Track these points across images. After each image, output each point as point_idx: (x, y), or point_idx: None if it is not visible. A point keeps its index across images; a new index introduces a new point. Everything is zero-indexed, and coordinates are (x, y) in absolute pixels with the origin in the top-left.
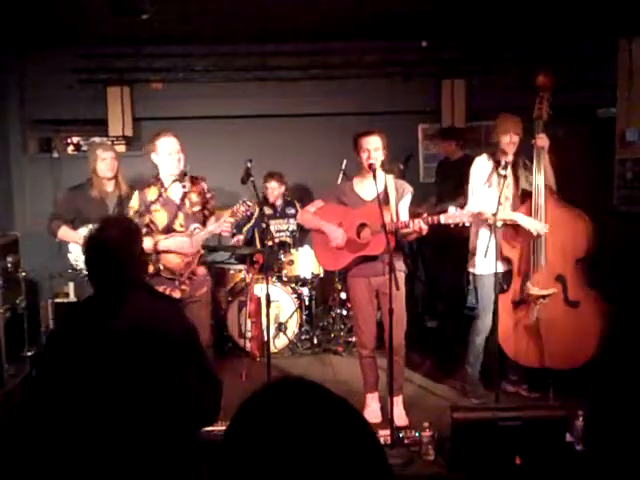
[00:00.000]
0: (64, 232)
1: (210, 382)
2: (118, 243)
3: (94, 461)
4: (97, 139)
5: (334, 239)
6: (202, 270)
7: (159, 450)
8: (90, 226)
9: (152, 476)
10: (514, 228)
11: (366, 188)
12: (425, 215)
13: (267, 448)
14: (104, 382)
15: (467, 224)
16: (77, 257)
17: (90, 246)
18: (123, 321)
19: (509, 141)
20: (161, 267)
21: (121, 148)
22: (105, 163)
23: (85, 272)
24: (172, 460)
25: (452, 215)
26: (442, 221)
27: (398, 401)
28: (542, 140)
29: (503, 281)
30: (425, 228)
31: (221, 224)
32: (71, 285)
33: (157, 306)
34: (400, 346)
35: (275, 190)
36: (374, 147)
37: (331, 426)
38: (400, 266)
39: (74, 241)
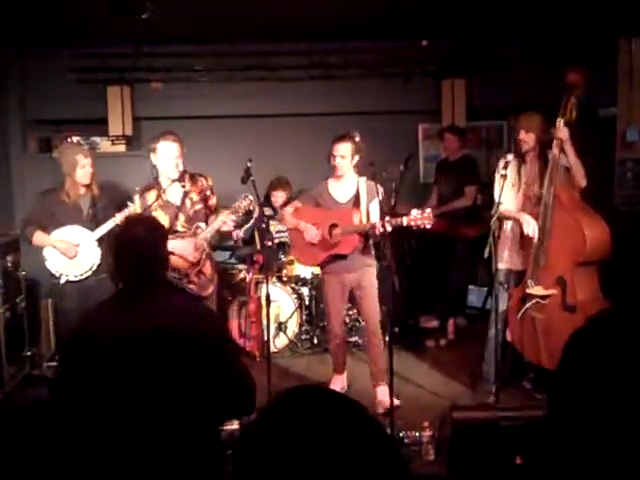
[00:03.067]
0: (39, 237)
1: (246, 376)
2: (143, 240)
3: (118, 457)
4: (97, 139)
5: (309, 237)
6: (209, 269)
7: (185, 446)
8: (64, 228)
9: (175, 473)
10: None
11: (339, 190)
12: (388, 218)
13: (292, 448)
14: (131, 379)
15: (428, 227)
16: (55, 266)
17: (117, 244)
18: (154, 318)
19: (519, 138)
20: None
21: (121, 148)
22: (84, 171)
23: (64, 280)
24: (198, 457)
25: (414, 218)
26: (404, 223)
27: (384, 391)
28: (562, 132)
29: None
30: (388, 230)
31: (224, 221)
32: None
33: (188, 304)
34: (376, 329)
35: (281, 198)
36: (340, 154)
37: (350, 431)
38: (370, 262)
39: (50, 244)
